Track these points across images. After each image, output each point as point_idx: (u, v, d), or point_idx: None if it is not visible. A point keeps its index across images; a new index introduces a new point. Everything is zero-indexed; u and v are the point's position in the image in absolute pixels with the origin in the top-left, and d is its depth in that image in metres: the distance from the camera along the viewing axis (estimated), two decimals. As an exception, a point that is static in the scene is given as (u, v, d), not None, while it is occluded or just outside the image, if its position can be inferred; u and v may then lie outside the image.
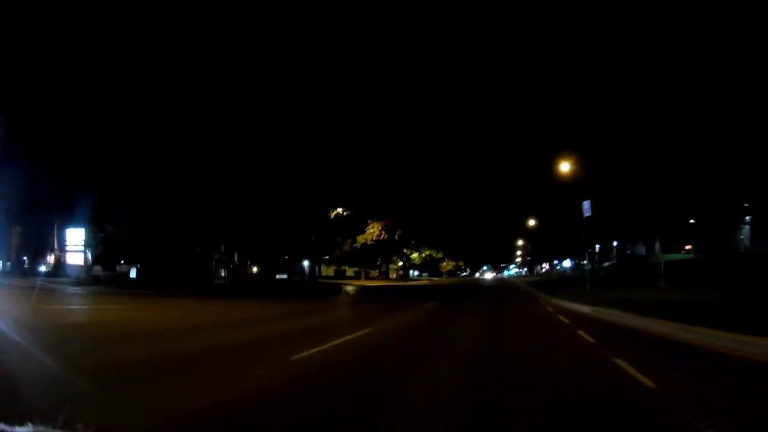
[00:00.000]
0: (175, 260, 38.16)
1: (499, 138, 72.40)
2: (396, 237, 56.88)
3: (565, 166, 29.51)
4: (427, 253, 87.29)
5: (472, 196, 79.66)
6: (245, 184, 36.32)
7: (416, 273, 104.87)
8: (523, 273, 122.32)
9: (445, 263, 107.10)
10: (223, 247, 40.01)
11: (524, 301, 21.93)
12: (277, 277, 48.75)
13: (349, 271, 75.35)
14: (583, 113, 34.61)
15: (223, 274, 39.29)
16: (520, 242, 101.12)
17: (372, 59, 49.94)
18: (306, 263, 77.09)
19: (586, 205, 20.32)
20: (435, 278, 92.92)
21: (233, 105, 35.01)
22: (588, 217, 19.84)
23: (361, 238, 55.13)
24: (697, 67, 26.44)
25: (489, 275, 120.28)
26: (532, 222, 71.22)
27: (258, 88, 38.33)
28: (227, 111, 34.00)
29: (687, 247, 65.63)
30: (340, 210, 49.17)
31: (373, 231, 54.57)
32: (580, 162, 27.64)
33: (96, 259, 40.05)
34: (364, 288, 39.29)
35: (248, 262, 47.93)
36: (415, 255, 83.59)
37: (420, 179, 67.21)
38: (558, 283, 34.92)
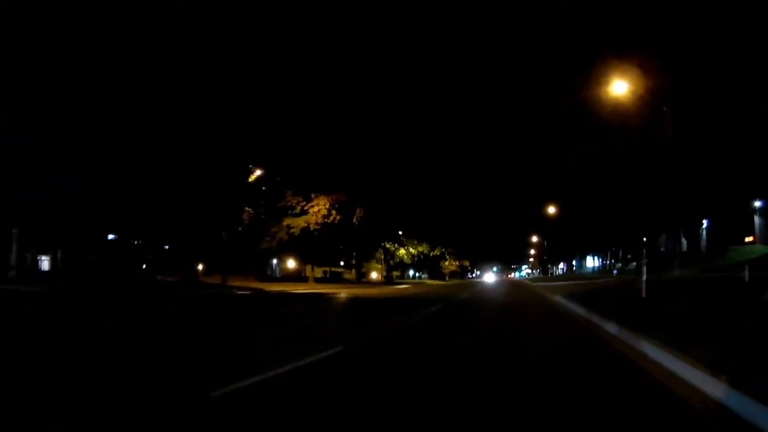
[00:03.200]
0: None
1: (508, 101, 56.56)
2: (355, 220, 38.59)
3: (620, 87, 16.14)
4: (419, 249, 69.60)
5: (475, 175, 64.15)
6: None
7: (412, 273, 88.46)
8: (536, 274, 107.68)
9: (447, 263, 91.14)
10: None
11: None
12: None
13: (318, 271, 58.30)
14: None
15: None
16: (534, 239, 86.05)
17: None
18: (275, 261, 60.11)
19: None
20: (431, 281, 76.98)
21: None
22: None
23: (300, 221, 36.36)
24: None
25: (494, 278, 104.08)
26: (551, 209, 57.04)
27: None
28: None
29: (748, 239, 50.13)
30: (259, 172, 31.52)
31: (318, 209, 36.02)
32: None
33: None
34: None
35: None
36: (402, 251, 65.60)
37: (403, 147, 50.54)
38: (655, 306, 12.25)
